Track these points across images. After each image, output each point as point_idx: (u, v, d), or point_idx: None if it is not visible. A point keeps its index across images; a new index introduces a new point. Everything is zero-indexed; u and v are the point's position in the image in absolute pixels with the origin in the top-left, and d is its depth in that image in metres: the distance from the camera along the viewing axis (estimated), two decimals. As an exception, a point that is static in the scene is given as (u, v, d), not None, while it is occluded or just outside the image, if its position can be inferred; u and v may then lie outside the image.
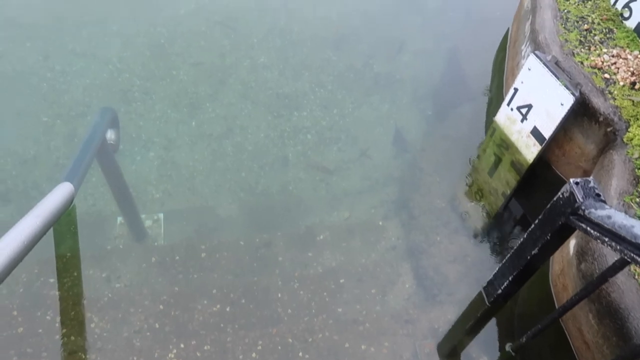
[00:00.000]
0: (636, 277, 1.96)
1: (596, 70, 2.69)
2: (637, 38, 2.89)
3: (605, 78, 2.65)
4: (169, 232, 3.19)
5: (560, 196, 1.79)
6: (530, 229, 2.01)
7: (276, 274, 2.89)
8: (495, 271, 2.36)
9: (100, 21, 4.37)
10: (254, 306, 2.67)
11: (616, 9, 3.05)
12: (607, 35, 2.92)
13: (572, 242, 2.34)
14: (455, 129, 3.88)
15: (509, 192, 3.04)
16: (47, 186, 3.35)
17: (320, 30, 4.54)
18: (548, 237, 1.89)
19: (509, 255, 2.20)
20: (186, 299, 2.64)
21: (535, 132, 2.75)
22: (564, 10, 3.08)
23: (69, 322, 2.42)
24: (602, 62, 2.72)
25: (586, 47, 2.84)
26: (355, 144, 3.83)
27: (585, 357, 2.23)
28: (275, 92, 4.06)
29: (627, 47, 2.84)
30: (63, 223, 2.50)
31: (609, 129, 2.50)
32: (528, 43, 3.13)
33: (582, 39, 2.89)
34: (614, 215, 1.56)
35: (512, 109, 2.90)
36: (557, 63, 2.69)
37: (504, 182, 3.07)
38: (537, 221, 1.95)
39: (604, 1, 3.13)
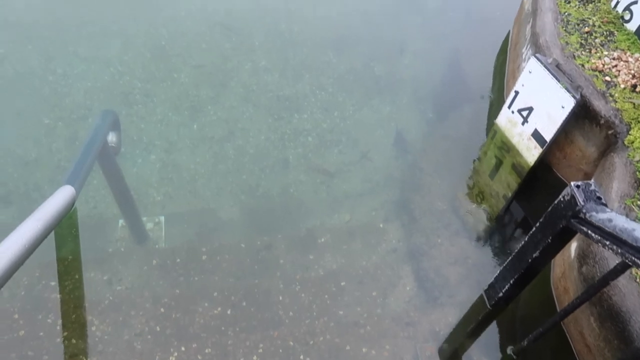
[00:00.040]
0: (637, 280, 1.96)
1: (597, 73, 2.69)
2: (638, 41, 2.89)
3: (606, 81, 2.65)
4: (170, 234, 3.19)
5: (561, 199, 1.79)
6: (531, 232, 2.01)
7: (277, 277, 2.89)
8: (497, 274, 2.36)
9: (102, 24, 4.38)
10: (255, 309, 2.66)
11: (617, 11, 3.06)
12: (608, 38, 2.93)
13: (573, 245, 2.34)
14: (456, 131, 3.88)
15: (510, 194, 3.04)
16: (48, 188, 3.36)
17: (320, 32, 4.55)
18: (549, 240, 1.89)
19: (509, 258, 2.20)
20: (187, 302, 2.64)
21: (536, 135, 2.75)
22: (564, 13, 3.08)
23: (70, 325, 2.42)
24: (603, 65, 2.72)
25: (587, 50, 2.84)
26: (355, 146, 3.84)
27: (586, 360, 2.23)
28: (276, 95, 4.07)
29: (628, 49, 2.84)
30: (64, 226, 2.50)
31: (610, 132, 2.50)
32: (529, 46, 3.13)
33: (582, 41, 2.89)
34: (615, 219, 1.56)
35: (513, 112, 2.90)
36: (558, 66, 2.70)
37: (505, 184, 3.07)
38: (538, 224, 1.95)
39: (604, 4, 3.14)
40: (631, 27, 2.95)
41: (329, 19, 4.68)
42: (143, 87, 3.98)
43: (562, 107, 2.57)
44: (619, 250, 1.51)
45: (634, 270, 1.95)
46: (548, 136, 2.69)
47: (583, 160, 2.72)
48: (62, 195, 1.95)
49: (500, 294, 2.33)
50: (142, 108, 3.86)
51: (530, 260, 2.04)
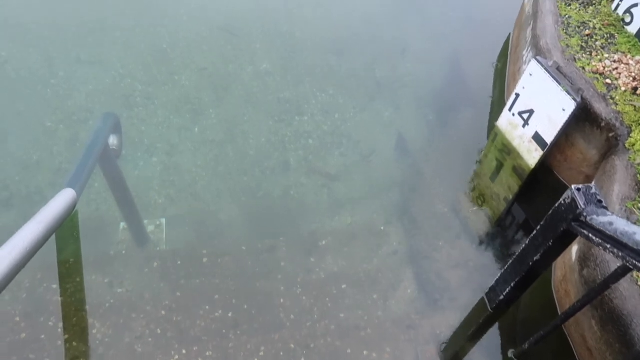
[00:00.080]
0: (639, 283, 1.96)
1: (598, 76, 2.69)
2: (639, 43, 2.89)
3: (606, 83, 2.65)
4: (171, 237, 3.19)
5: (562, 202, 1.79)
6: (532, 235, 2.00)
7: (278, 280, 2.89)
8: (498, 277, 2.36)
9: (104, 27, 4.39)
10: (256, 312, 2.66)
11: (617, 14, 3.06)
12: (609, 41, 2.93)
13: (574, 248, 2.33)
14: (457, 134, 3.88)
15: (511, 197, 3.04)
16: (49, 191, 3.36)
17: (321, 35, 4.55)
18: (550, 244, 1.89)
19: (510, 261, 2.20)
20: (188, 305, 2.64)
21: (537, 138, 2.75)
22: (565, 15, 3.08)
23: (72, 328, 2.42)
24: (604, 68, 2.73)
25: (588, 53, 2.84)
26: (356, 148, 3.84)
27: (588, 364, 2.23)
28: (277, 97, 4.07)
29: (629, 52, 2.85)
30: (66, 229, 2.50)
31: (610, 135, 2.50)
32: (529, 48, 3.13)
33: (583, 44, 2.89)
34: (615, 222, 1.56)
35: (513, 114, 2.91)
36: (558, 68, 2.70)
37: (506, 187, 3.07)
38: (538, 227, 1.95)
39: (605, 7, 3.14)
40: (632, 29, 2.95)
41: (330, 22, 4.69)
42: (144, 90, 3.99)
43: (563, 110, 2.57)
44: (620, 254, 1.51)
45: (635, 273, 1.95)
46: (549, 139, 2.69)
47: (584, 162, 2.72)
48: (63, 198, 1.95)
49: (502, 297, 2.33)
50: (144, 111, 3.87)
51: (531, 264, 2.04)
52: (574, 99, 2.52)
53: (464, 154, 3.61)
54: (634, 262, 1.47)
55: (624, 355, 1.91)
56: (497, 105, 3.79)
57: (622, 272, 1.61)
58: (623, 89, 2.62)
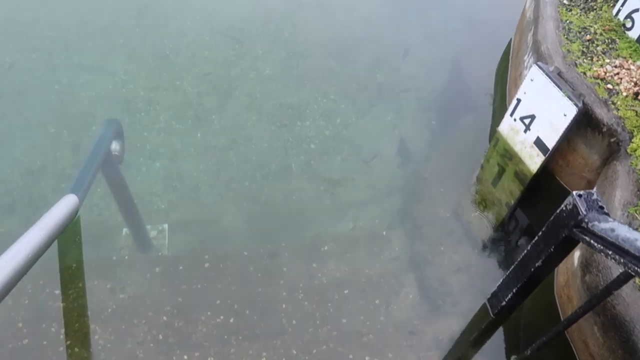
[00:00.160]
0: (641, 289, 1.95)
1: (599, 81, 2.69)
2: (640, 48, 2.90)
3: (608, 88, 2.66)
4: (173, 242, 3.20)
5: (564, 208, 1.79)
6: (533, 241, 2.00)
7: (280, 285, 2.89)
8: (499, 283, 2.36)
9: (106, 32, 4.42)
10: (258, 317, 2.66)
11: (618, 19, 3.06)
12: (610, 46, 2.93)
13: (576, 254, 2.33)
14: (459, 139, 3.88)
15: (512, 202, 3.04)
16: (53, 196, 3.37)
17: (323, 39, 4.57)
18: (552, 250, 1.89)
19: (512, 267, 2.20)
20: (190, 310, 2.64)
21: (539, 143, 2.75)
22: (566, 20, 3.09)
23: (74, 334, 2.43)
24: (605, 73, 2.73)
25: (589, 58, 2.84)
26: (358, 153, 3.84)
27: (591, 370, 2.22)
28: (279, 102, 4.09)
29: (630, 57, 2.85)
30: (68, 234, 2.51)
31: (612, 140, 2.50)
32: (530, 54, 3.14)
33: (584, 49, 2.90)
34: (617, 228, 1.55)
35: (515, 120, 2.91)
36: (559, 74, 2.70)
37: (508, 192, 3.07)
38: (540, 233, 1.95)
39: (606, 12, 3.15)
40: (633, 35, 2.95)
41: (332, 27, 4.71)
42: (147, 96, 4.01)
43: (564, 115, 2.57)
44: (622, 260, 1.51)
45: (637, 279, 1.94)
46: (550, 144, 2.69)
47: (586, 168, 2.72)
48: (65, 204, 1.96)
49: (504, 303, 2.32)
50: (146, 116, 3.89)
51: (533, 269, 2.03)
52: (575, 104, 2.52)
53: (466, 158, 3.61)
54: (636, 268, 1.47)
55: (626, 362, 1.90)
56: (499, 110, 3.79)
57: (624, 278, 1.60)
58: (624, 94, 2.63)
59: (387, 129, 4.02)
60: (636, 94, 2.62)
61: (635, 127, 2.48)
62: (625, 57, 2.85)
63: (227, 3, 4.84)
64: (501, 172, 3.11)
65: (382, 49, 4.57)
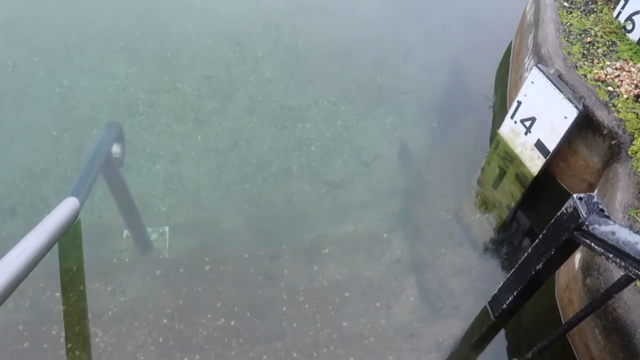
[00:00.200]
0: (642, 292, 1.95)
1: (599, 83, 2.69)
2: (641, 51, 2.89)
3: (608, 91, 2.65)
4: (174, 245, 3.20)
5: (564, 211, 1.79)
6: (534, 244, 2.00)
7: (281, 288, 2.88)
8: (500, 286, 2.35)
9: (107, 35, 4.43)
10: (258, 320, 2.66)
11: (619, 21, 3.06)
12: (610, 48, 2.93)
13: (577, 257, 2.33)
14: (460, 141, 3.88)
15: (513, 204, 3.03)
16: (54, 199, 3.38)
17: (324, 42, 4.57)
18: (552, 252, 1.88)
19: (513, 269, 2.19)
20: (190, 313, 2.64)
21: (539, 145, 2.75)
22: (566, 23, 3.09)
23: (74, 337, 2.43)
24: (606, 75, 2.73)
25: (589, 60, 2.84)
26: (359, 155, 3.84)
27: (592, 373, 2.21)
28: (280, 105, 4.09)
29: (631, 59, 2.85)
30: (69, 237, 2.51)
31: (613, 142, 2.50)
32: (531, 56, 3.14)
33: (585, 51, 2.89)
34: (618, 231, 1.55)
35: (515, 122, 2.91)
36: (560, 76, 2.70)
37: (509, 194, 3.06)
38: (541, 236, 1.95)
39: (606, 14, 3.14)
40: (633, 37, 2.95)
41: (332, 29, 4.71)
42: (148, 98, 4.02)
43: (565, 118, 2.57)
44: (622, 263, 1.51)
45: (638, 282, 1.94)
46: (551, 146, 2.69)
47: (586, 170, 2.71)
48: (66, 207, 1.97)
49: (504, 306, 2.32)
50: (147, 119, 3.89)
51: (533, 272, 2.03)
52: (576, 107, 2.52)
53: (467, 161, 3.61)
54: (637, 271, 1.46)
55: (628, 365, 1.90)
56: (499, 112, 3.79)
57: (625, 281, 1.60)
58: (625, 96, 2.62)
59: (387, 131, 4.01)
60: (637, 96, 2.61)
61: (636, 129, 2.47)
62: (625, 60, 2.85)
63: (227, 5, 4.85)
64: (502, 174, 3.10)
65: (383, 51, 4.57)
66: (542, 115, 2.72)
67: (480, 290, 2.85)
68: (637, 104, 2.59)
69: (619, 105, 2.58)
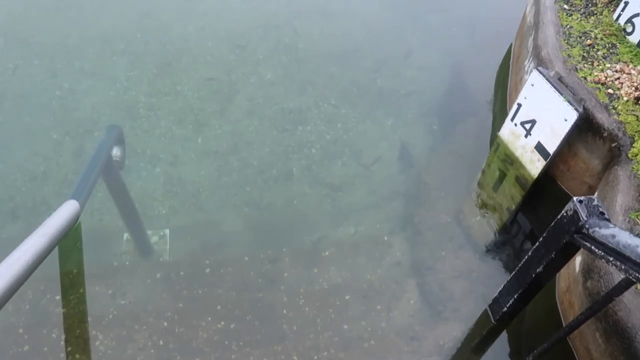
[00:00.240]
0: (643, 295, 1.94)
1: (600, 86, 2.69)
2: (641, 53, 2.89)
3: (609, 93, 2.65)
4: (174, 248, 3.20)
5: (564, 214, 1.78)
6: (534, 247, 2.00)
7: (281, 290, 2.88)
8: (501, 289, 2.35)
9: (107, 38, 4.44)
10: (258, 323, 2.66)
11: (619, 24, 3.06)
12: (610, 51, 2.93)
13: (577, 259, 2.32)
14: (460, 144, 3.88)
15: (514, 207, 3.03)
16: (55, 202, 3.38)
17: (324, 45, 4.58)
18: (552, 256, 1.88)
19: (513, 272, 2.19)
20: (190, 316, 2.64)
21: (540, 148, 2.75)
22: (566, 25, 3.09)
23: (74, 340, 2.43)
24: (606, 78, 2.73)
25: (589, 63, 2.84)
26: (359, 158, 3.84)
27: (593, 376, 2.20)
28: (281, 107, 4.10)
29: (631, 62, 2.85)
30: (69, 240, 2.51)
31: (613, 145, 2.50)
32: (531, 59, 3.14)
33: (585, 54, 2.90)
34: (618, 234, 1.55)
35: (515, 125, 2.91)
36: (560, 79, 2.70)
37: (509, 197, 3.06)
38: (541, 239, 1.94)
39: (606, 16, 3.15)
40: (633, 39, 2.95)
41: (332, 32, 4.72)
42: (148, 101, 4.03)
43: (565, 120, 2.57)
44: (623, 267, 1.50)
45: (639, 285, 1.93)
46: (551, 149, 2.69)
47: (587, 173, 2.71)
48: (66, 210, 1.97)
49: (505, 309, 2.31)
50: (147, 122, 3.90)
51: (534, 275, 2.03)
52: (576, 109, 2.52)
53: (467, 163, 3.61)
54: (637, 275, 1.46)
55: (629, 368, 1.89)
56: (499, 115, 3.79)
57: (626, 284, 1.59)
58: (625, 98, 2.62)
59: (388, 133, 4.02)
60: (637, 98, 2.61)
61: (636, 132, 2.47)
62: (626, 62, 2.85)
63: (228, 8, 4.87)
64: (502, 177, 3.10)
65: (383, 53, 4.58)
66: (542, 118, 2.72)
67: (480, 293, 2.84)
68: (638, 106, 2.59)
69: (619, 107, 2.58)
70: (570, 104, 2.53)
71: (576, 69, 2.79)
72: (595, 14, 3.19)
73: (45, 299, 2.61)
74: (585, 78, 2.73)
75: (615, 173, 2.42)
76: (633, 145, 2.44)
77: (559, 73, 2.73)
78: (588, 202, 1.71)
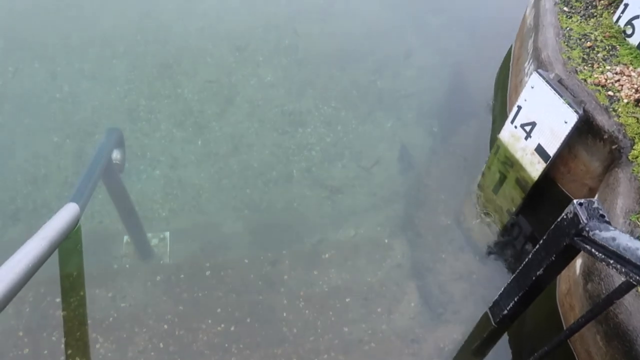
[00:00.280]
0: (644, 298, 1.94)
1: (600, 88, 2.69)
2: (641, 55, 2.89)
3: (609, 95, 2.65)
4: (174, 250, 3.20)
5: (564, 217, 1.78)
6: (534, 249, 1.99)
7: (281, 293, 2.88)
8: (501, 291, 2.35)
9: (107, 40, 4.45)
10: (258, 326, 2.66)
11: (619, 26, 3.06)
12: (610, 53, 2.93)
13: (578, 262, 2.32)
14: (461, 146, 3.87)
15: (514, 209, 3.03)
16: (55, 204, 3.38)
17: (324, 47, 4.58)
18: (553, 258, 1.88)
19: (514, 275, 2.19)
20: (190, 318, 2.64)
21: (540, 150, 2.75)
22: (566, 28, 3.09)
23: (75, 343, 2.43)
24: (606, 80, 2.73)
25: (589, 65, 2.84)
26: (359, 160, 3.84)
27: (594, 379, 2.20)
28: (281, 110, 4.10)
29: (631, 64, 2.85)
30: (69, 242, 2.51)
31: (613, 147, 2.49)
32: (531, 61, 3.14)
33: (585, 56, 2.90)
34: (618, 237, 1.55)
35: (515, 127, 2.91)
36: (560, 81, 2.70)
37: (509, 199, 3.06)
38: (541, 242, 1.94)
39: (606, 18, 3.15)
40: (633, 41, 2.95)
41: (332, 34, 4.72)
42: (148, 104, 4.03)
43: (565, 122, 2.57)
44: (623, 269, 1.50)
45: (639, 288, 1.93)
46: (551, 151, 2.68)
47: (587, 175, 2.71)
48: (66, 213, 1.97)
49: (505, 312, 2.31)
50: (147, 124, 3.90)
51: (534, 278, 2.02)
52: (576, 111, 2.52)
53: (467, 165, 3.61)
54: (638, 277, 1.46)
55: (629, 371, 1.89)
56: (499, 117, 3.79)
57: (626, 287, 1.59)
58: (625, 100, 2.62)
59: (388, 135, 4.02)
60: (637, 100, 2.61)
61: (636, 134, 2.47)
62: (626, 64, 2.85)
63: (228, 9, 4.87)
64: (502, 179, 3.10)
65: (383, 54, 4.58)
66: (542, 120, 2.72)
67: (481, 295, 2.84)
68: (638, 108, 2.59)
69: (619, 109, 2.58)
70: (571, 106, 2.53)
71: (576, 71, 2.79)
72: (595, 16, 3.19)
73: (45, 302, 2.61)
74: (585, 80, 2.73)
75: (615, 175, 2.42)
76: (633, 147, 2.44)
77: (559, 75, 2.73)
78: (588, 205, 1.71)
